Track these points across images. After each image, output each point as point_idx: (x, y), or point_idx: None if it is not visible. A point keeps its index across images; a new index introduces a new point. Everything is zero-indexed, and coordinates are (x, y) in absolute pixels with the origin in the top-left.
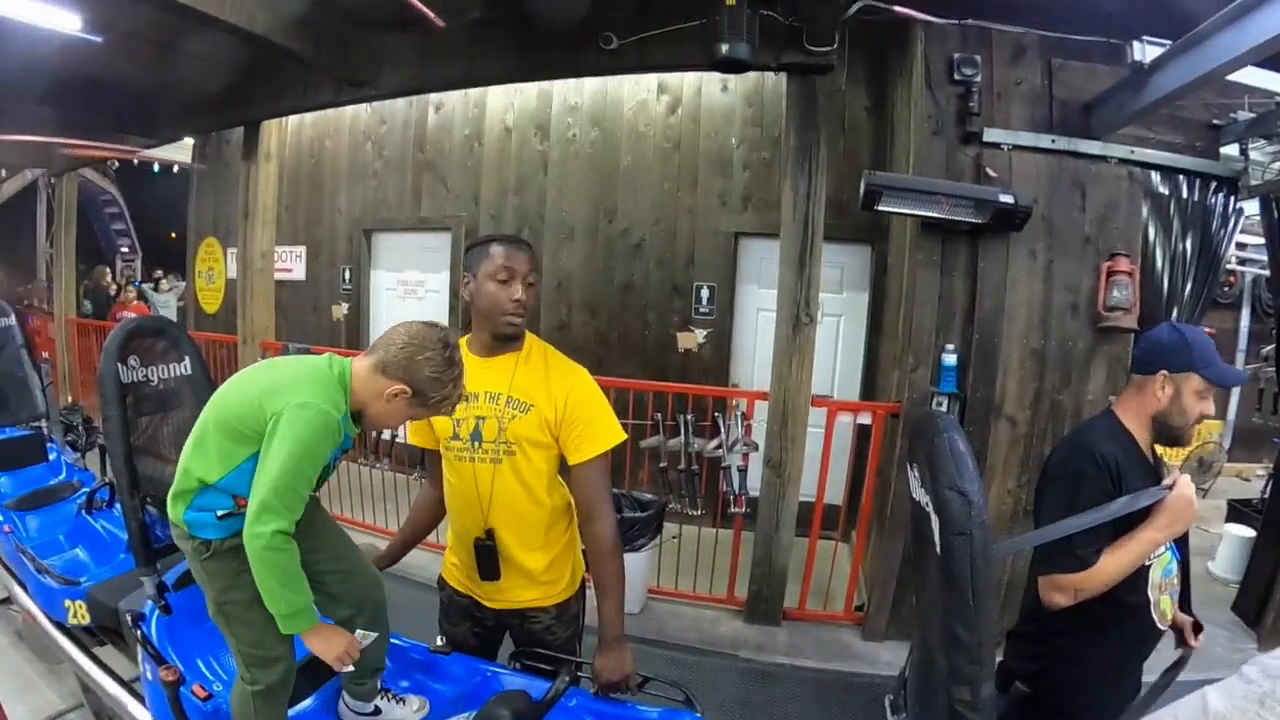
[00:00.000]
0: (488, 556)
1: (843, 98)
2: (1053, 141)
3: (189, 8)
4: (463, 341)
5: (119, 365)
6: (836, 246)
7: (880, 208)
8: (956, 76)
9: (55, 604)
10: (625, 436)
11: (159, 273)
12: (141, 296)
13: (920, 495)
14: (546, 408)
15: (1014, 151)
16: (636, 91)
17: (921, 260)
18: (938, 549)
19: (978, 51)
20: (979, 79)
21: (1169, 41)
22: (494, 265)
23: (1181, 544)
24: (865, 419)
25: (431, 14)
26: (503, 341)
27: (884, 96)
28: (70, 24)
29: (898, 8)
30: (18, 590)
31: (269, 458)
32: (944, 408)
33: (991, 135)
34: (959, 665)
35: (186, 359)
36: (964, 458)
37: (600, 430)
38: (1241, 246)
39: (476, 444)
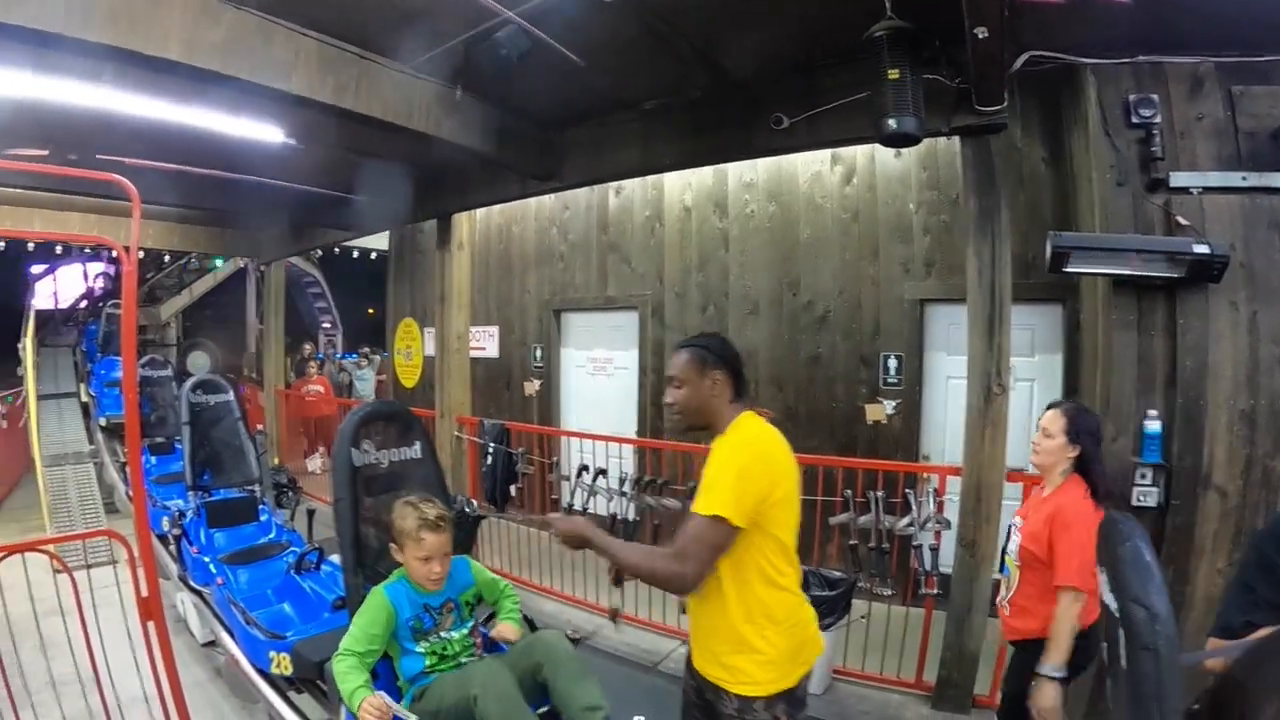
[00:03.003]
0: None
1: (1019, 152)
2: (1244, 179)
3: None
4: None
5: (352, 449)
6: (1025, 307)
7: (1069, 269)
8: (1134, 119)
9: (260, 653)
10: (723, 514)
11: (365, 348)
12: (321, 370)
13: (1109, 600)
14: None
15: (1204, 195)
16: (810, 164)
17: (1116, 321)
18: (1123, 662)
19: (1153, 89)
20: (1158, 119)
21: None
22: None
23: None
24: None
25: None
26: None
27: (1061, 145)
28: (274, 135)
29: (1065, 55)
30: (224, 635)
31: None
32: (1148, 479)
33: (1178, 179)
34: None
35: (417, 443)
36: (1149, 568)
37: (705, 494)
38: None
39: None
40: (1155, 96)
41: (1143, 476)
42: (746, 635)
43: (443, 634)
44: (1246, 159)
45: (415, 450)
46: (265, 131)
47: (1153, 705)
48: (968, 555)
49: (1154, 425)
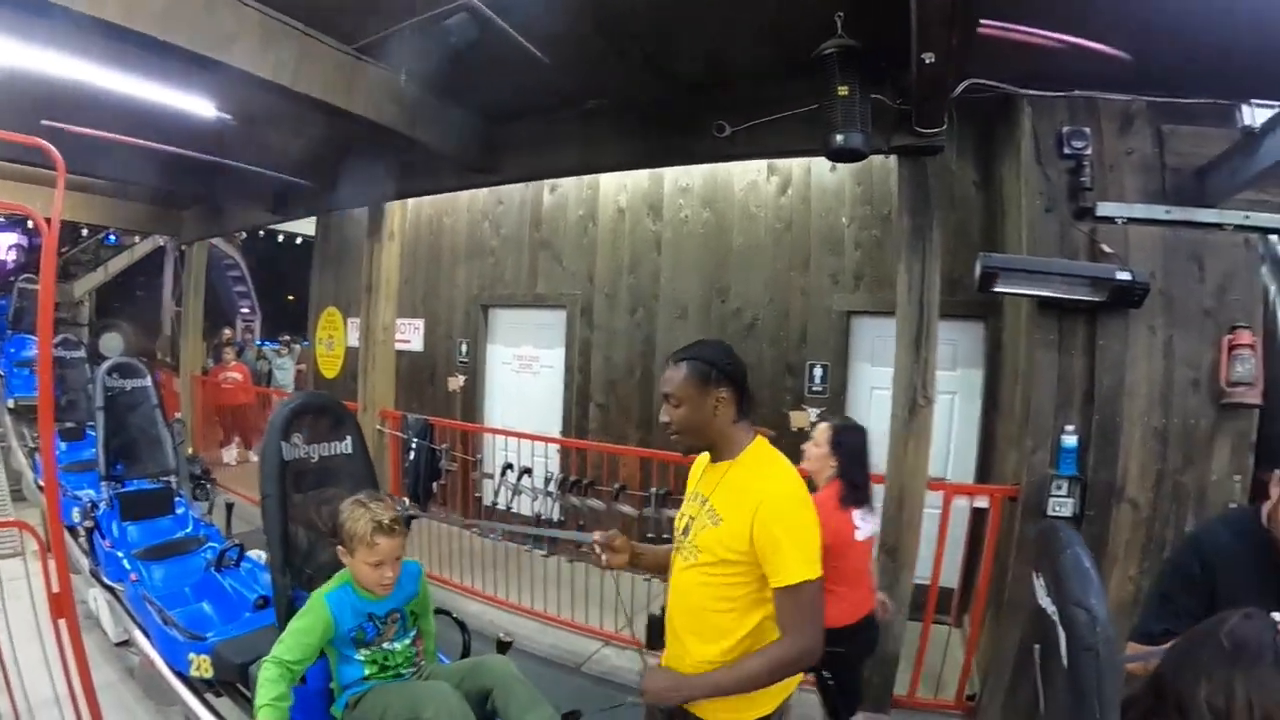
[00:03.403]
0: (656, 626)
1: (952, 174)
2: (1167, 212)
3: (321, 101)
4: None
5: (282, 442)
6: (949, 323)
7: (997, 289)
8: (1066, 150)
9: (178, 655)
10: (812, 576)
11: (285, 336)
12: (240, 356)
13: (1046, 604)
14: (738, 523)
15: (1128, 225)
16: (747, 173)
17: (1039, 340)
18: (1064, 661)
19: (1086, 123)
20: (1089, 151)
21: (1278, 103)
22: None
23: None
24: (982, 502)
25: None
26: (718, 450)
27: (992, 171)
28: (205, 109)
29: (1004, 85)
30: (138, 635)
31: None
32: (1064, 490)
33: (1105, 209)
34: None
35: (349, 438)
36: (1089, 574)
37: (781, 562)
38: None
39: (684, 538)
40: (1088, 130)
41: (1059, 488)
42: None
43: (384, 645)
44: (1171, 193)
45: (346, 445)
46: (198, 105)
47: (1094, 701)
48: (890, 560)
49: (1070, 440)
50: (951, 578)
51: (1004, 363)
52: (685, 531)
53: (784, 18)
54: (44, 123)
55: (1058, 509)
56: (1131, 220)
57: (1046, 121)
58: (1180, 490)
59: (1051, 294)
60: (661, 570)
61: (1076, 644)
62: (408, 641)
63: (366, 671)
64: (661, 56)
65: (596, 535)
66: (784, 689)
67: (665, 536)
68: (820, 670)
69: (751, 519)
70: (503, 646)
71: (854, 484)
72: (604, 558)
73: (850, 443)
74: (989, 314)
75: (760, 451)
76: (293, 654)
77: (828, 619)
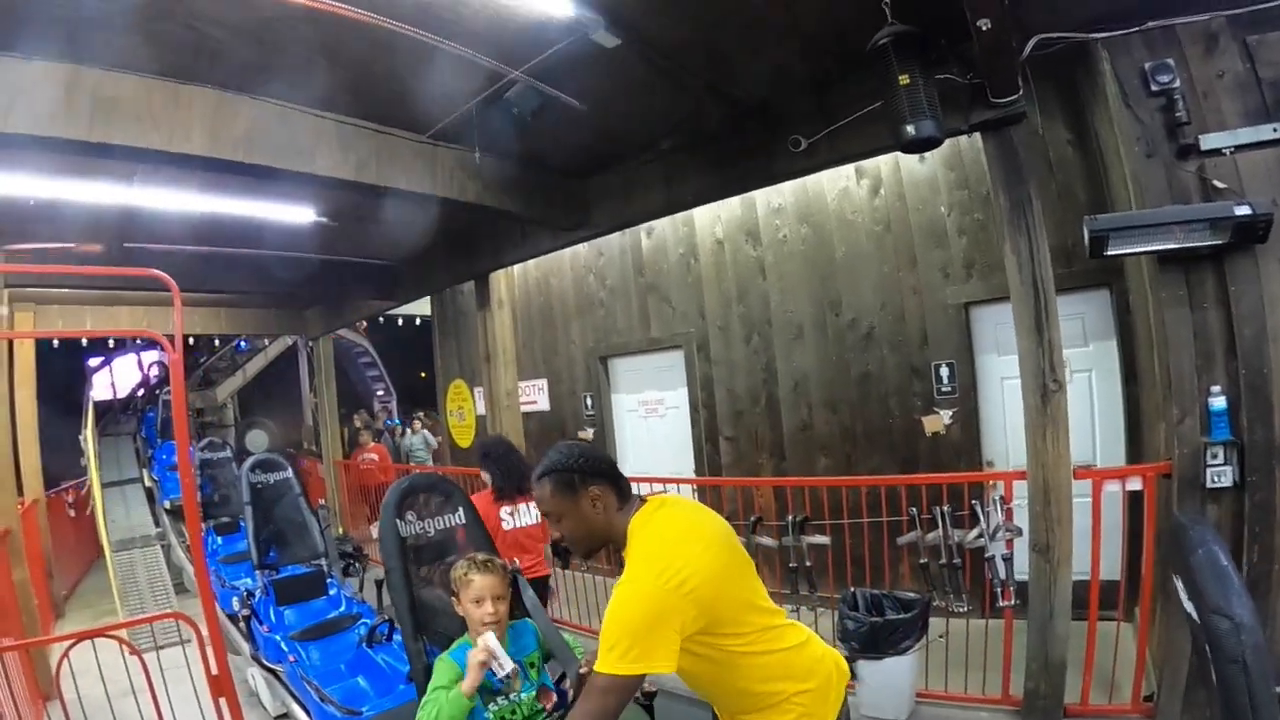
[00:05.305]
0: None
1: (1043, 140)
2: (1275, 130)
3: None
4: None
5: (397, 520)
6: (1072, 296)
7: (1109, 252)
8: (1153, 87)
9: None
10: (614, 671)
11: (419, 413)
12: (378, 438)
13: (1189, 608)
14: None
15: (1237, 154)
16: (836, 180)
17: (1166, 298)
18: (1213, 676)
19: (1167, 54)
20: (1178, 83)
21: None
22: None
23: None
24: (1135, 484)
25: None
26: (616, 545)
27: (1085, 125)
28: (305, 215)
29: (1073, 34)
30: (297, 710)
31: None
32: (1219, 459)
33: (1208, 141)
34: None
35: (460, 509)
36: (1227, 574)
37: (603, 646)
38: None
39: None
40: (1171, 61)
41: (1214, 456)
42: (767, 693)
43: (511, 696)
44: (1274, 109)
45: (459, 516)
46: (298, 213)
47: (1246, 717)
48: (1043, 560)
49: (1219, 401)
50: (1114, 569)
51: (1137, 329)
52: None
53: (834, 19)
54: (138, 245)
55: (1216, 479)
56: (1239, 148)
57: (1126, 62)
58: None
59: (1169, 246)
60: None
61: (1221, 656)
62: (533, 693)
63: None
64: (722, 82)
65: None
66: (838, 699)
67: (808, 564)
68: None
69: None
70: (647, 696)
71: (500, 486)
72: None
73: (492, 454)
74: (1113, 279)
75: (637, 527)
76: (438, 700)
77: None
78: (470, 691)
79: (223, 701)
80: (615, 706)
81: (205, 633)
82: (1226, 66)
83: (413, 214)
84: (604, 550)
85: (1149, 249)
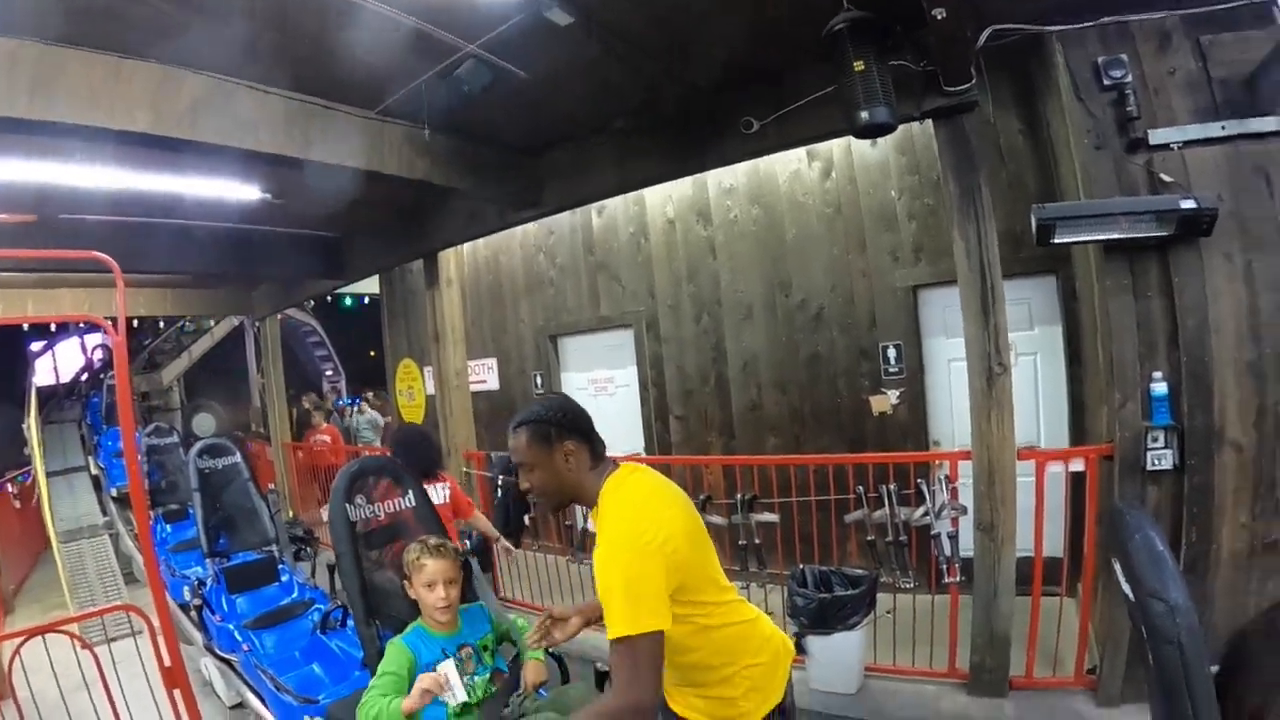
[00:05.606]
0: None
1: (995, 128)
2: (1223, 128)
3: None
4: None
5: (347, 505)
6: (1019, 281)
7: (1056, 240)
8: (1106, 81)
9: (293, 719)
10: (629, 632)
11: (368, 393)
12: (329, 419)
13: (1128, 591)
14: None
15: (1185, 149)
16: (788, 163)
17: (1111, 286)
18: (1149, 657)
19: (1121, 50)
20: (1130, 78)
21: None
22: None
23: None
24: (1078, 465)
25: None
26: (583, 501)
27: (1037, 116)
28: (251, 193)
29: (1027, 26)
30: (252, 699)
31: None
32: (1160, 442)
33: (1157, 136)
34: None
35: (410, 492)
36: (1163, 559)
37: (610, 614)
38: None
39: None
40: (1124, 56)
41: (1155, 440)
42: (720, 664)
43: (464, 679)
44: (1223, 108)
45: (409, 499)
46: (242, 190)
47: (1183, 698)
48: (987, 538)
49: (1160, 387)
50: (1057, 547)
51: (1082, 315)
52: None
53: (789, 3)
54: (72, 216)
55: (1156, 462)
56: (1187, 143)
57: (1080, 55)
58: None
59: (1115, 236)
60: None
61: (1157, 637)
62: (486, 677)
63: (450, 709)
64: (677, 68)
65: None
66: (784, 675)
67: (757, 541)
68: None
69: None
70: (600, 677)
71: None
72: (555, 634)
73: (404, 443)
74: (1060, 266)
75: (610, 490)
76: (385, 688)
77: None
78: (410, 711)
79: (177, 693)
80: (647, 660)
81: (157, 624)
82: (1179, 64)
83: (359, 190)
84: (559, 526)
85: (1095, 238)
